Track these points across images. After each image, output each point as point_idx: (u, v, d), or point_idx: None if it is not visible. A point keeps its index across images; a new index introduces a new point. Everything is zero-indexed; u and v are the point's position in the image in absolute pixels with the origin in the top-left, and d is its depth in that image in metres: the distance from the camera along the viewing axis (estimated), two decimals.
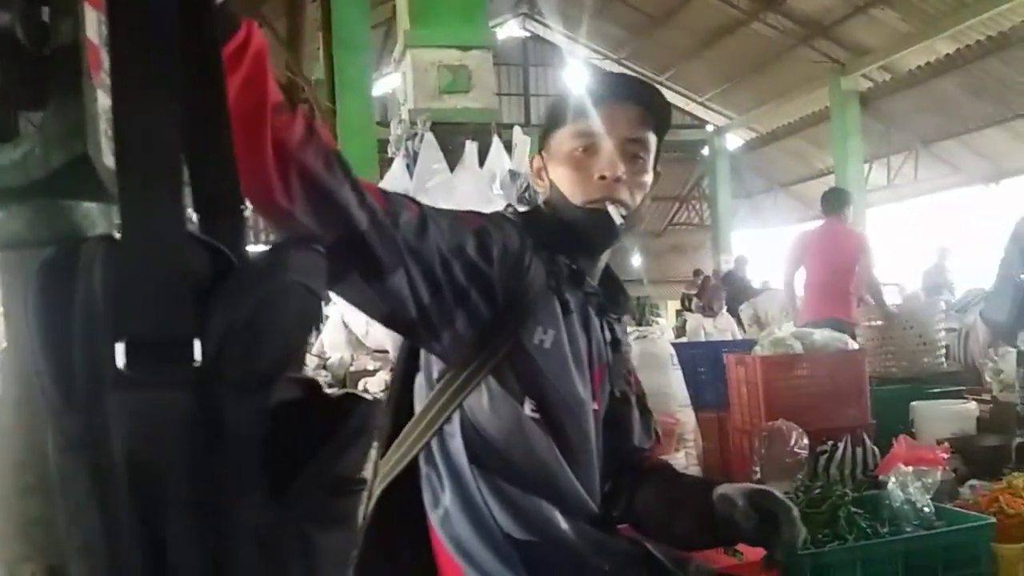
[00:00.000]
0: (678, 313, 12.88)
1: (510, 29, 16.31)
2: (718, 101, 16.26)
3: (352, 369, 4.70)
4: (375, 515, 1.24)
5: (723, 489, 1.24)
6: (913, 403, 3.54)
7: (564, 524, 1.23)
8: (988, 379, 4.20)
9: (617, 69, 15.28)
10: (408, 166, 3.85)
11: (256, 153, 0.79)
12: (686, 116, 16.87)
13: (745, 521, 1.17)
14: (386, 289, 1.02)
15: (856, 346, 3.54)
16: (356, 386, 4.03)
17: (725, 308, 8.65)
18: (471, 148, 3.78)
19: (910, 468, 2.30)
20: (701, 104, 16.66)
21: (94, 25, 0.50)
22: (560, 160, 1.32)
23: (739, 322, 8.32)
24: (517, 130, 4.06)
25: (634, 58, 16.00)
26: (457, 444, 1.22)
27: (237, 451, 0.48)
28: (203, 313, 0.47)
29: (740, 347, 3.74)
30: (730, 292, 9.56)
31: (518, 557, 1.21)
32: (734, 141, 17.14)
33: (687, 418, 3.08)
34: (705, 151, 17.16)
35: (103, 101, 0.50)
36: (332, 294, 1.03)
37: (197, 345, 0.46)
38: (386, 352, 4.35)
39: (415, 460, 1.24)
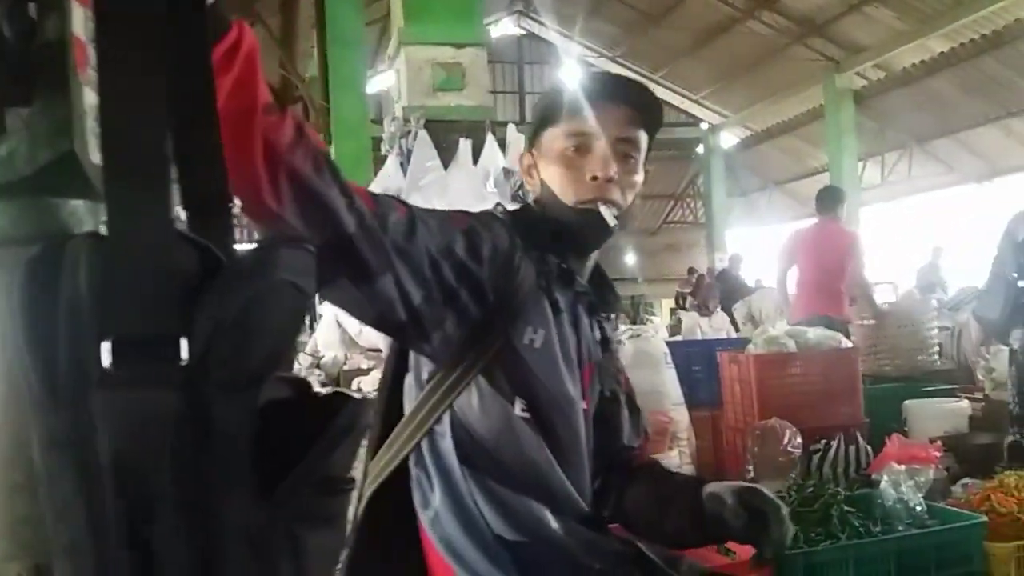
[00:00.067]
0: (672, 311, 12.91)
1: (505, 27, 16.31)
2: (713, 99, 16.28)
3: (346, 368, 4.70)
4: (367, 516, 1.24)
5: (712, 487, 1.24)
6: (906, 401, 3.54)
7: (555, 524, 1.23)
8: (981, 377, 4.21)
9: (612, 67, 15.29)
10: (402, 164, 3.84)
11: (246, 154, 0.79)
12: (681, 114, 16.89)
13: (734, 519, 1.17)
14: (374, 292, 1.02)
15: (849, 344, 3.55)
16: (350, 385, 4.03)
17: (720, 307, 8.67)
18: (465, 146, 3.77)
19: (903, 467, 2.30)
20: (696, 102, 16.68)
21: (81, 21, 0.50)
22: (551, 159, 1.32)
23: (732, 320, 8.31)
24: (511, 128, 4.06)
25: (629, 56, 16.01)
26: (447, 444, 1.22)
27: (225, 450, 0.48)
28: (191, 311, 0.47)
29: (734, 345, 3.74)
30: (724, 290, 9.58)
31: (508, 558, 1.20)
32: (729, 139, 17.16)
33: (681, 416, 3.07)
34: (700, 149, 17.19)
35: (90, 98, 0.50)
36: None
37: (184, 344, 0.46)
38: (380, 351, 4.35)
39: (406, 461, 1.23)
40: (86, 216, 0.52)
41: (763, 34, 12.79)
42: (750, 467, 2.71)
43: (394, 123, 4.04)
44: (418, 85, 3.92)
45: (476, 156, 3.78)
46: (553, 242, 1.31)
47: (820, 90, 12.85)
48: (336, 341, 4.90)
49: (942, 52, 11.11)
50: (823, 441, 2.85)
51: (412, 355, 1.27)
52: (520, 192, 3.47)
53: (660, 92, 15.55)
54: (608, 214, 1.27)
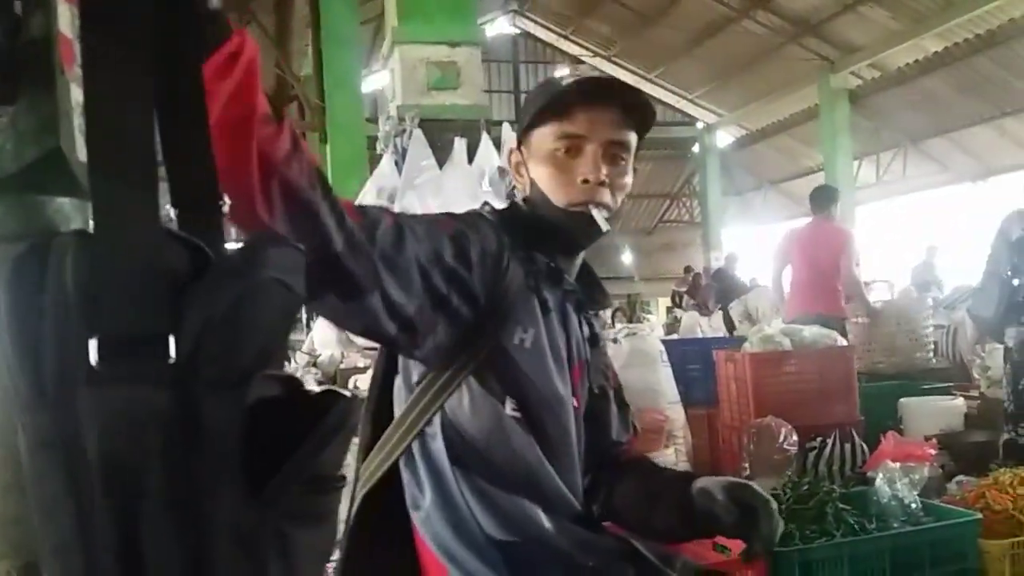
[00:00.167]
0: (669, 310, 12.92)
1: (500, 26, 16.29)
2: (708, 98, 16.29)
3: (343, 366, 4.69)
4: (360, 516, 1.24)
5: (702, 483, 1.23)
6: (901, 399, 3.55)
7: (547, 523, 1.23)
8: (976, 375, 4.22)
9: (607, 66, 15.31)
10: (396, 163, 3.84)
11: (240, 163, 0.78)
12: (676, 113, 16.91)
13: (725, 515, 1.17)
14: (363, 308, 1.01)
15: (845, 342, 3.55)
16: (347, 383, 4.01)
17: (718, 306, 8.68)
18: (460, 145, 3.77)
19: (898, 464, 2.30)
20: (691, 101, 16.69)
21: (67, 18, 0.50)
22: (541, 159, 1.31)
23: (727, 319, 8.31)
24: (506, 127, 4.04)
25: (624, 56, 16.02)
26: (438, 445, 1.21)
27: (214, 449, 0.48)
28: (179, 309, 0.46)
29: (730, 344, 3.74)
30: (720, 289, 9.59)
31: (500, 558, 1.20)
32: (724, 138, 17.18)
33: (676, 415, 3.07)
34: (695, 148, 17.20)
35: (77, 95, 0.49)
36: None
37: (172, 342, 0.46)
38: (376, 349, 4.34)
39: (397, 463, 1.23)
40: (73, 213, 0.51)
41: (758, 34, 12.80)
42: (746, 465, 2.71)
43: (389, 122, 4.03)
44: (413, 84, 3.92)
45: (471, 155, 3.78)
46: (542, 241, 1.30)
47: (815, 90, 12.87)
48: (333, 339, 4.89)
49: (936, 52, 11.13)
50: (819, 439, 2.86)
51: (401, 358, 1.27)
52: (514, 191, 3.47)
53: (655, 91, 15.61)
54: (600, 217, 1.27)
